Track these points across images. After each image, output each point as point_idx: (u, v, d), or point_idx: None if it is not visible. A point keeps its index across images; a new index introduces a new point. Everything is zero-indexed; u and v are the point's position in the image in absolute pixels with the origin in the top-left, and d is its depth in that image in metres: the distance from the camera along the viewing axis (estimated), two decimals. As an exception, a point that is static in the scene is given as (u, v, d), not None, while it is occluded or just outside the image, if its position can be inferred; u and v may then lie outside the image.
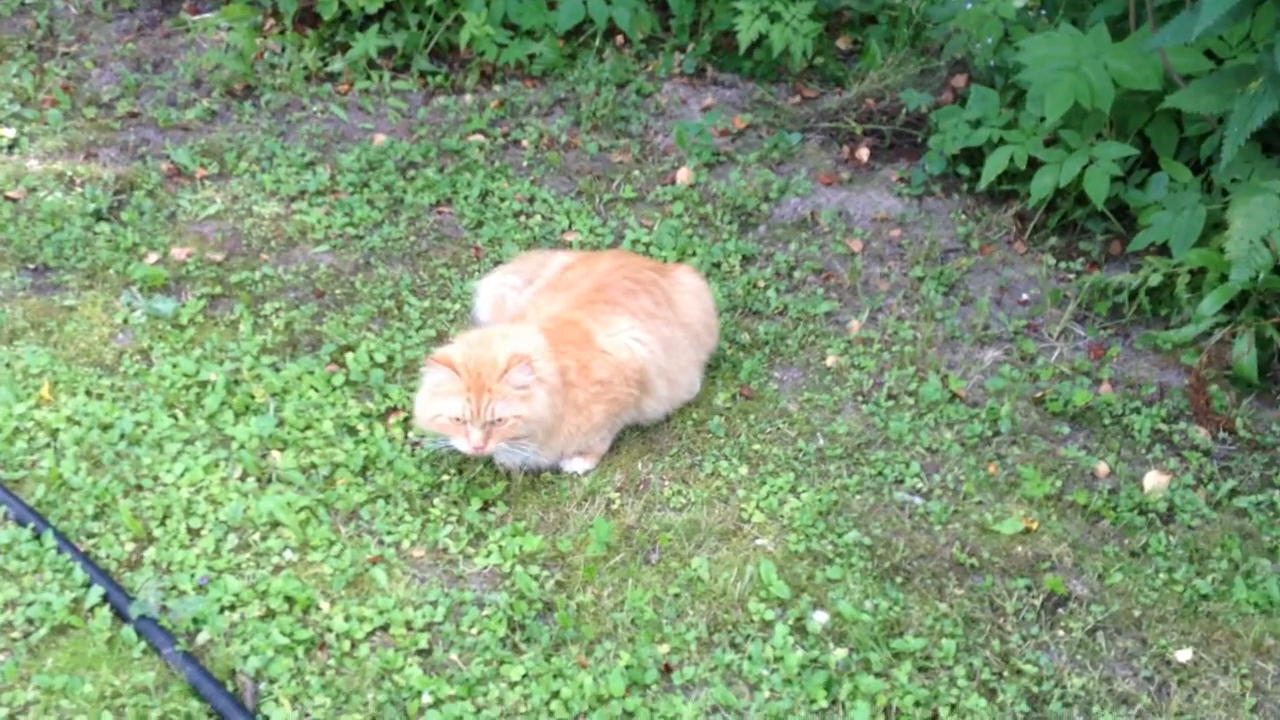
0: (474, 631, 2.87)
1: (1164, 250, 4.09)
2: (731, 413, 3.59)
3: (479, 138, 4.80)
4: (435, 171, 4.57)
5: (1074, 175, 4.14)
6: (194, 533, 3.06)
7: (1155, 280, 3.97)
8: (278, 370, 3.59)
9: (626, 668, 2.79)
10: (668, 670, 2.81)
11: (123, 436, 3.29)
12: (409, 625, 2.87)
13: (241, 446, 3.31)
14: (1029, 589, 3.06)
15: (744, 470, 3.38)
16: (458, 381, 3.06)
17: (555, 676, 2.76)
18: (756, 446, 3.46)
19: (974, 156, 4.62)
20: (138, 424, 3.34)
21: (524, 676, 2.76)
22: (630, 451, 3.42)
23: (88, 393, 3.44)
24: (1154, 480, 3.38)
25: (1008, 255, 4.37)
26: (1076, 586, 3.08)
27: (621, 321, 3.30)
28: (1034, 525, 3.24)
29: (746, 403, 3.63)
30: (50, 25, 5.25)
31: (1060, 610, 3.02)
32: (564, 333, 3.24)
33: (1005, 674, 2.85)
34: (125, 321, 3.73)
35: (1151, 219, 4.04)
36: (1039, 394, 3.72)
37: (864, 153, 4.86)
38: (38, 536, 2.95)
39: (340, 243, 4.19)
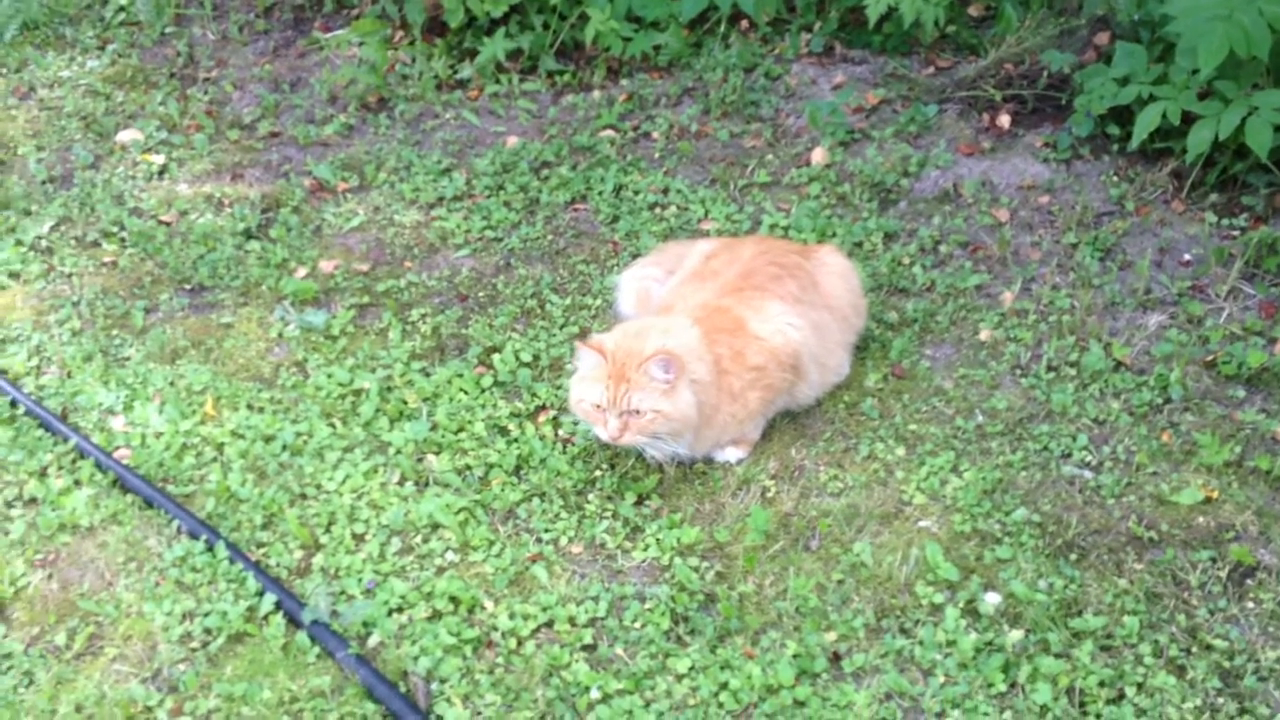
0: (637, 625, 2.85)
1: (1335, 199, 3.87)
2: (884, 393, 3.51)
3: (609, 133, 4.79)
4: (568, 169, 4.57)
5: (1233, 127, 3.95)
6: (358, 538, 3.10)
7: (1327, 231, 3.76)
8: (428, 375, 3.63)
9: (794, 657, 2.74)
10: (836, 658, 2.75)
11: (285, 447, 3.36)
12: (573, 621, 2.86)
13: (398, 452, 3.36)
14: (1213, 560, 2.92)
15: (901, 451, 3.30)
16: (604, 368, 3.06)
17: (722, 668, 2.73)
18: (913, 426, 3.38)
19: (1123, 115, 4.45)
20: (298, 434, 3.40)
21: (691, 669, 2.73)
22: (783, 438, 3.36)
23: (249, 406, 3.52)
24: (1341, 441, 3.19)
25: (1166, 215, 4.19)
26: (1264, 556, 2.93)
27: (772, 306, 3.25)
28: (1214, 494, 3.09)
29: (899, 382, 3.54)
30: (190, 52, 5.40)
31: (1248, 581, 2.88)
32: (715, 320, 3.21)
33: (1194, 650, 2.72)
34: (280, 335, 3.82)
35: (1321, 166, 3.82)
36: (1210, 357, 3.55)
37: (1005, 120, 4.71)
38: (210, 548, 3.03)
39: (480, 246, 4.22)
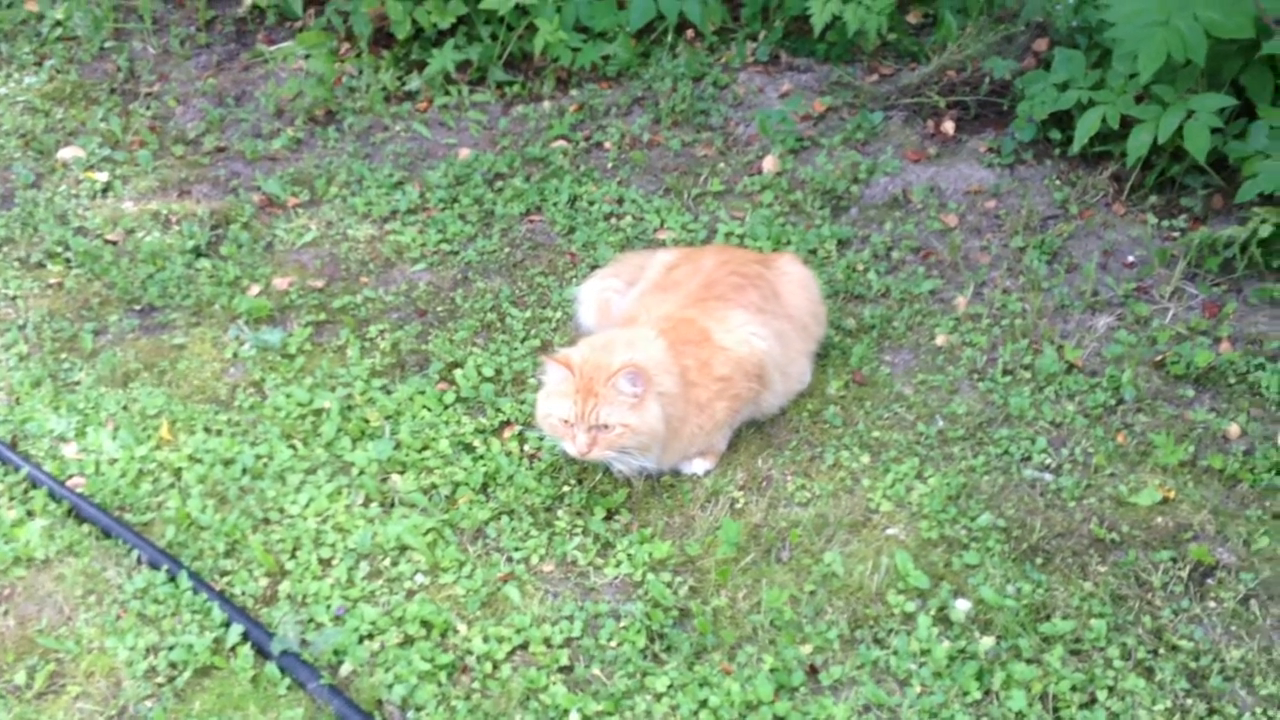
0: (613, 644, 2.85)
1: (1270, 200, 3.96)
2: (846, 401, 3.54)
3: (562, 143, 4.78)
4: (522, 181, 4.56)
5: (1172, 130, 4.03)
6: (325, 563, 3.07)
7: (1266, 231, 3.85)
8: (389, 392, 3.60)
9: (772, 671, 2.75)
10: (813, 671, 2.77)
11: (245, 471, 3.32)
12: (548, 642, 2.86)
13: (361, 472, 3.33)
14: (1174, 560, 2.98)
15: (866, 459, 3.33)
16: (570, 382, 3.06)
17: (701, 685, 2.74)
18: (876, 433, 3.41)
19: (1063, 120, 4.52)
20: (258, 457, 3.36)
21: (669, 687, 2.74)
22: (749, 448, 3.38)
23: (206, 429, 3.48)
24: (1291, 439, 3.27)
25: (1108, 218, 4.27)
26: (1223, 555, 3.00)
27: (736, 316, 3.27)
28: (1171, 494, 3.15)
29: (860, 389, 3.58)
30: (130, 67, 5.31)
31: (1209, 580, 2.94)
32: (680, 332, 3.22)
33: (1160, 651, 2.77)
34: (235, 355, 3.77)
35: (1258, 168, 3.91)
36: (1159, 357, 3.62)
37: (949, 126, 4.78)
38: (172, 578, 2.98)
39: (436, 259, 4.20)
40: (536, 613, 2.93)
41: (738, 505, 3.21)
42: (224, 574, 3.05)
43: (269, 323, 3.92)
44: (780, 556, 3.07)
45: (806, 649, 2.82)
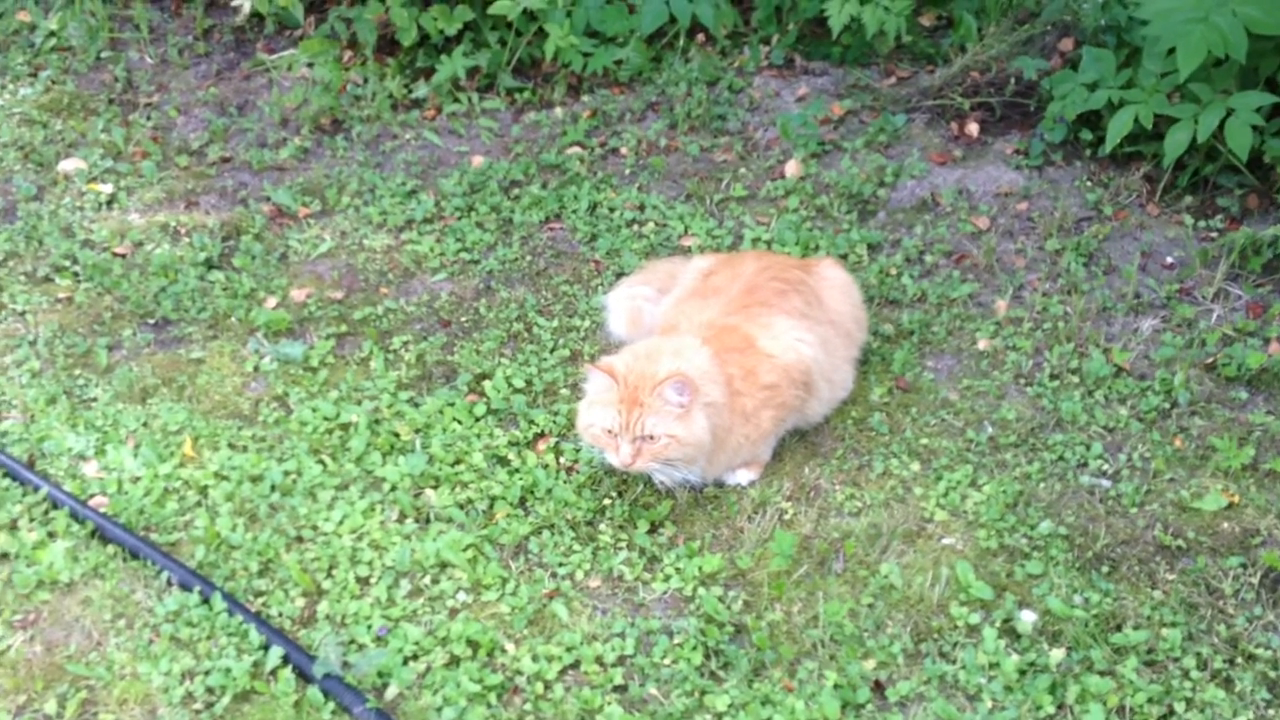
0: (668, 662, 2.73)
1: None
2: (891, 407, 3.44)
3: (577, 150, 4.68)
4: (539, 188, 4.45)
5: (1212, 129, 3.95)
6: (363, 581, 2.95)
7: (1312, 230, 3.77)
8: (417, 405, 3.48)
9: (836, 687, 2.65)
10: (879, 687, 2.67)
11: (274, 488, 3.19)
12: (600, 661, 2.74)
13: (394, 488, 3.21)
14: (1244, 567, 2.89)
15: (916, 467, 3.23)
16: (615, 391, 2.95)
17: (763, 703, 2.63)
18: (924, 440, 3.31)
19: (1092, 120, 4.45)
20: (287, 473, 3.24)
21: (730, 706, 2.63)
22: (794, 458, 3.28)
23: (231, 446, 3.35)
24: (1353, 440, 3.19)
25: (1143, 219, 4.19)
26: (1293, 560, 2.91)
27: (780, 322, 3.17)
28: (1235, 499, 3.06)
29: (904, 395, 3.48)
30: (128, 77, 5.19)
31: (1281, 587, 2.85)
32: (724, 340, 3.11)
33: (1238, 660, 2.68)
34: (256, 369, 3.64)
35: (1302, 166, 3.84)
36: (1209, 360, 3.54)
37: (974, 128, 4.70)
38: (205, 600, 2.86)
39: (457, 269, 4.08)
40: (586, 630, 2.81)
41: (786, 516, 3.11)
42: (259, 594, 2.92)
43: (288, 335, 3.79)
44: (835, 568, 2.96)
45: (870, 664, 2.71)
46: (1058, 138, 4.47)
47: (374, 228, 4.30)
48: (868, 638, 2.77)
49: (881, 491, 3.15)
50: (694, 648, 2.75)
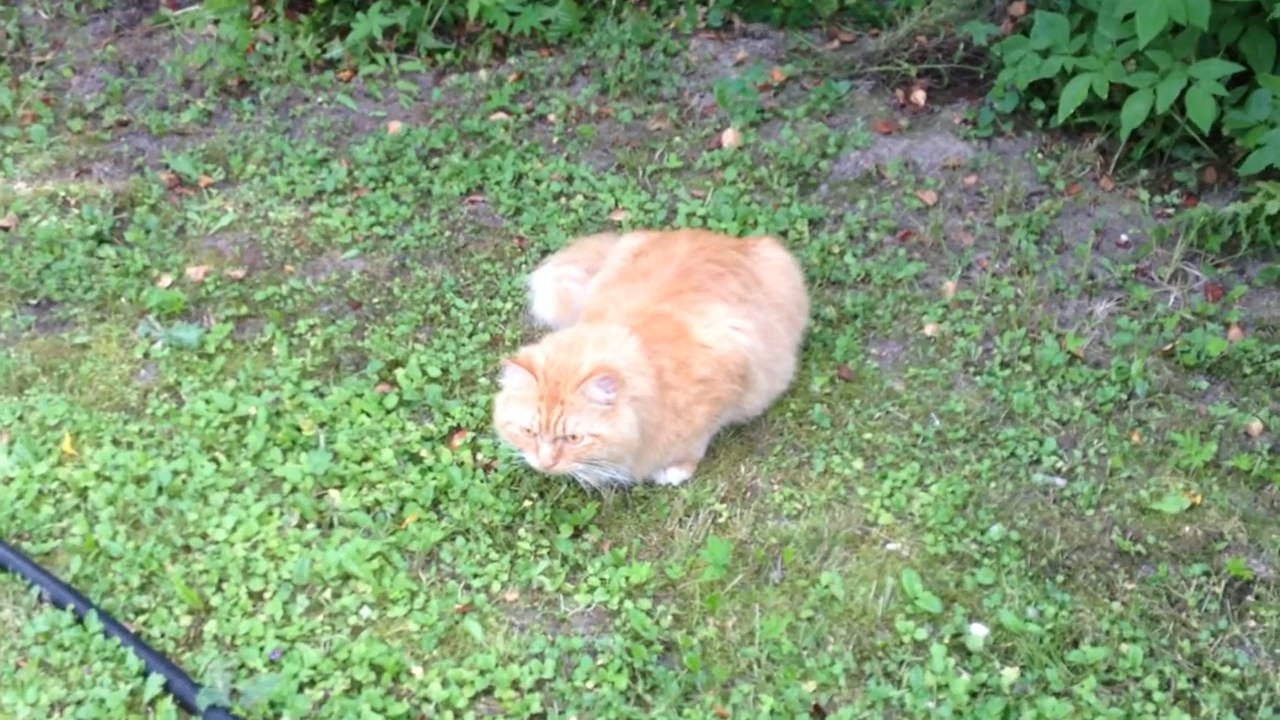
0: (591, 686, 2.50)
1: (1273, 173, 3.70)
2: (833, 398, 3.21)
3: (502, 116, 4.39)
4: (461, 157, 4.17)
5: (1172, 99, 3.74)
6: (256, 596, 2.68)
7: (1275, 207, 3.58)
8: (322, 396, 3.21)
9: (772, 714, 2.42)
10: (819, 713, 2.45)
11: (161, 490, 2.91)
12: (516, 686, 2.50)
13: (295, 489, 2.94)
14: (1207, 575, 2.71)
15: (859, 464, 3.01)
16: (534, 387, 2.69)
17: (695, 732, 2.40)
18: (868, 435, 3.09)
19: (1044, 89, 4.23)
20: (176, 473, 2.96)
21: (660, 735, 2.39)
22: (729, 455, 3.04)
23: (115, 442, 3.06)
24: (1318, 435, 3.01)
25: (1097, 194, 3.99)
26: (1258, 567, 2.73)
27: (716, 309, 2.92)
28: (1197, 499, 2.87)
29: (847, 385, 3.25)
30: (21, 34, 4.81)
31: (1247, 597, 2.67)
32: (655, 328, 2.86)
33: (1202, 680, 2.49)
34: (146, 356, 3.35)
35: (1264, 139, 3.64)
36: (1167, 346, 3.35)
37: (920, 96, 4.47)
38: (80, 620, 2.58)
39: (370, 245, 3.79)
40: (502, 650, 2.57)
41: (720, 520, 2.88)
42: (140, 613, 2.65)
43: (183, 318, 3.49)
44: (772, 578, 2.74)
45: (809, 686, 2.49)
46: (1008, 107, 4.25)
47: (281, 199, 4.00)
48: (807, 656, 2.55)
49: (822, 492, 2.93)
50: (619, 670, 2.51)
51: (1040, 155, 4.15)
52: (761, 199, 3.99)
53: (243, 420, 3.13)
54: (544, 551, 2.80)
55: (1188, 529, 2.81)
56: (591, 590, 2.71)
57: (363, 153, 4.18)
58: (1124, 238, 3.82)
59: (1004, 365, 3.30)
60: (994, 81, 4.34)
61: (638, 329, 2.86)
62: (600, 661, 2.54)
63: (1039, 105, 4.24)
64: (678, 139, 4.28)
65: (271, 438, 3.07)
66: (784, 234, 3.82)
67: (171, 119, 4.37)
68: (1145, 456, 3.02)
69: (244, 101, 4.47)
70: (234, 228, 3.87)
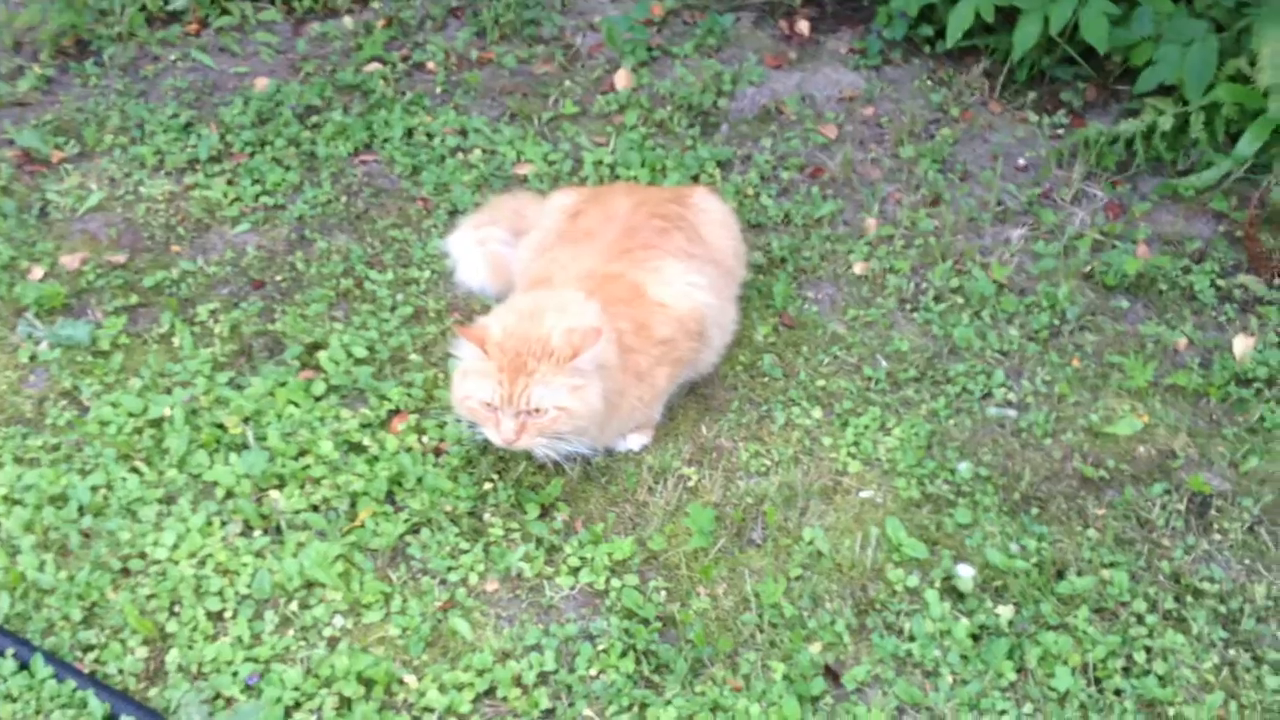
0: (595, 673, 2.41)
1: (1160, 90, 3.79)
2: (779, 347, 3.16)
3: (377, 66, 4.15)
4: (341, 114, 3.92)
5: (1066, 20, 3.78)
6: (216, 617, 2.49)
7: (1168, 124, 3.67)
8: (241, 388, 2.99)
9: (786, 680, 2.38)
10: (831, 674, 2.42)
11: (82, 510, 2.67)
12: (519, 683, 2.39)
13: (231, 494, 2.73)
14: (1168, 493, 2.77)
15: (818, 413, 2.97)
16: (491, 360, 2.55)
17: (713, 710, 2.34)
18: (821, 383, 3.05)
19: (928, 14, 4.23)
20: (95, 489, 2.71)
21: (678, 718, 2.32)
22: (688, 415, 2.96)
23: (17, 460, 2.78)
24: (1242, 345, 3.12)
25: (989, 119, 4.02)
26: (1214, 480, 2.81)
27: (670, 267, 2.82)
28: (1145, 419, 2.93)
29: (791, 333, 3.21)
30: None
31: (1210, 512, 2.74)
32: (609, 290, 2.74)
33: (1186, 599, 2.55)
34: (32, 359, 3.05)
35: (1156, 56, 3.71)
36: (1086, 269, 3.40)
37: (804, 26, 4.42)
38: (24, 666, 2.34)
39: (260, 217, 3.54)
40: (495, 646, 2.45)
41: (690, 483, 2.80)
42: (88, 649, 2.42)
43: (66, 313, 3.20)
44: (753, 539, 2.69)
45: (816, 647, 2.46)
46: (898, 34, 4.24)
47: (149, 171, 3.69)
48: (808, 617, 2.51)
49: (788, 445, 2.88)
50: (622, 653, 2.43)
51: (930, 82, 4.15)
52: (665, 142, 3.88)
53: (157, 423, 2.88)
54: (516, 536, 2.68)
55: (1142, 449, 2.88)
56: (574, 571, 2.61)
57: (231, 114, 3.89)
58: (1021, 161, 3.86)
59: (937, 299, 3.30)
60: (875, 9, 4.31)
61: (590, 293, 2.74)
62: (601, 646, 2.44)
63: (926, 31, 4.23)
64: (569, 83, 4.12)
65: (194, 439, 2.84)
66: (695, 179, 3.73)
67: (7, 88, 3.98)
68: (1088, 380, 3.06)
69: (86, 64, 4.11)
70: (104, 207, 3.55)
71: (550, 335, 2.53)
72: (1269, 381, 3.04)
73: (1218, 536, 2.69)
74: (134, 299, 3.24)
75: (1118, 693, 2.37)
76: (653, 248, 2.85)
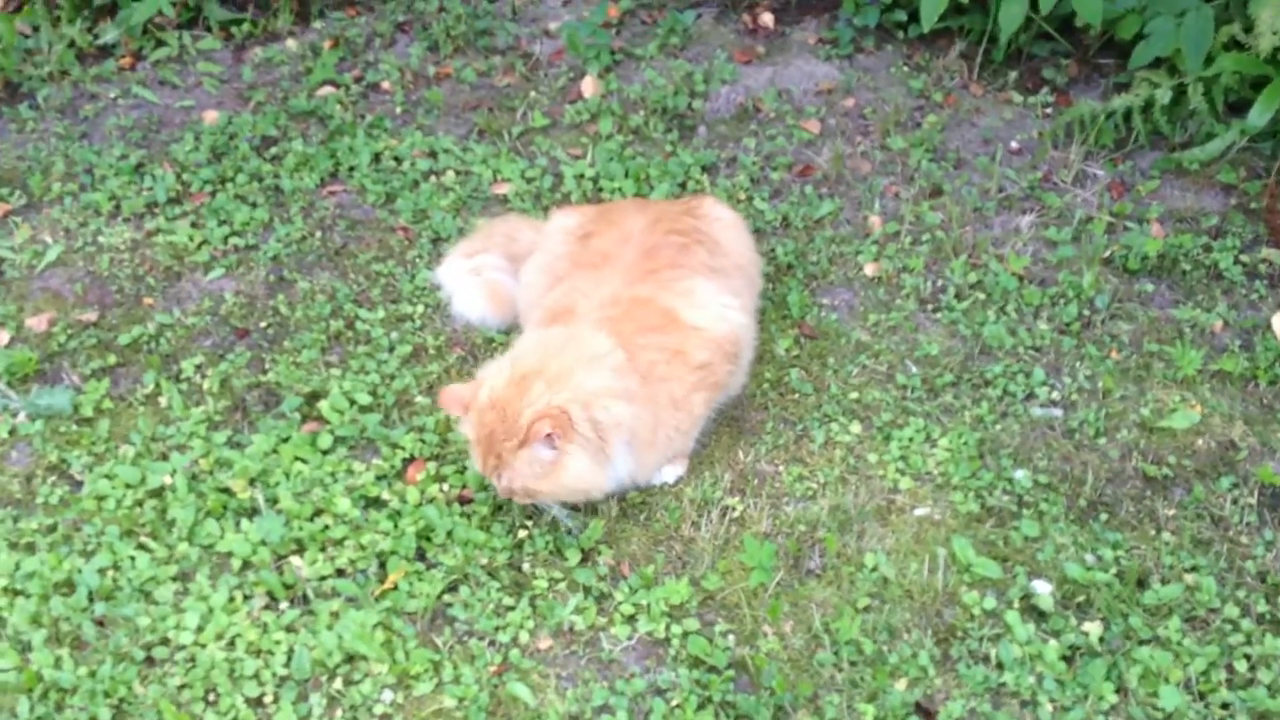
0: (674, 731, 2.24)
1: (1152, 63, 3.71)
2: (804, 359, 3.02)
3: (330, 90, 3.93)
4: (301, 143, 3.69)
5: (1054, -1, 3.67)
6: (257, 703, 2.28)
7: (1166, 97, 3.59)
8: (242, 448, 2.77)
9: (880, 722, 2.24)
10: (924, 712, 2.28)
11: (92, 596, 2.44)
12: (595, 750, 2.22)
13: (248, 564, 2.52)
14: (1236, 487, 2.67)
15: (857, 428, 2.83)
16: (470, 425, 2.41)
17: (806, 762, 2.19)
18: (854, 395, 2.91)
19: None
20: (102, 572, 2.49)
21: (772, 775, 2.17)
22: (720, 442, 2.81)
23: (12, 545, 2.55)
24: (1280, 322, 3.04)
25: (973, 103, 3.91)
26: (1278, 470, 2.71)
27: (701, 287, 2.66)
28: (1198, 409, 2.84)
29: (813, 344, 3.06)
30: None
31: (1280, 503, 2.65)
32: (638, 318, 2.57)
33: (1277, 599, 2.45)
34: (12, 433, 2.81)
35: (1150, 29, 3.62)
36: (1105, 254, 3.30)
37: (768, 18, 4.28)
38: (51, 779, 2.12)
39: (234, 260, 3.31)
40: (561, 710, 2.28)
41: (735, 514, 2.65)
42: (120, 754, 2.20)
43: (41, 380, 2.95)
44: (812, 569, 2.54)
45: (901, 684, 2.31)
46: (869, 21, 4.11)
47: (106, 219, 3.44)
48: (888, 652, 2.37)
49: (832, 465, 2.74)
50: (699, 706, 2.27)
51: (907, 68, 4.03)
52: (644, 150, 3.71)
53: (158, 493, 2.66)
54: (561, 586, 2.50)
55: (1200, 442, 2.78)
56: (629, 620, 2.44)
57: (184, 151, 3.65)
58: (1015, 144, 3.75)
59: (958, 297, 3.18)
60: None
61: (617, 320, 2.57)
62: (674, 701, 2.28)
63: (898, 16, 4.11)
64: (534, 93, 3.93)
65: (200, 507, 2.62)
66: (682, 186, 3.57)
67: (-64, 139, 3.70)
68: (1131, 372, 2.96)
69: (20, 107, 3.83)
70: (64, 261, 3.30)
71: (522, 413, 2.35)
72: (1313, 358, 2.96)
73: (1291, 528, 2.60)
74: (111, 359, 3.00)
75: (1225, 706, 2.27)
76: (679, 267, 2.69)
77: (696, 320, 2.61)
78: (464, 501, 2.66)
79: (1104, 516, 2.61)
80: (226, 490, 2.66)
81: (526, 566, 2.54)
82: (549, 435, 2.36)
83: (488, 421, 2.40)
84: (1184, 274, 3.25)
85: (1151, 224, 3.41)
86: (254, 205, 3.48)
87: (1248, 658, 2.34)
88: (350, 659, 2.35)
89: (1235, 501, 2.64)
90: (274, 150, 3.67)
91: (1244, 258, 3.26)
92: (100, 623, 2.40)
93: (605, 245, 2.76)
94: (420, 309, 3.16)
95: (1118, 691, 2.29)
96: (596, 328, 2.53)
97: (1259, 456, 2.74)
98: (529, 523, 2.61)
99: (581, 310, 2.61)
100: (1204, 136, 3.61)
